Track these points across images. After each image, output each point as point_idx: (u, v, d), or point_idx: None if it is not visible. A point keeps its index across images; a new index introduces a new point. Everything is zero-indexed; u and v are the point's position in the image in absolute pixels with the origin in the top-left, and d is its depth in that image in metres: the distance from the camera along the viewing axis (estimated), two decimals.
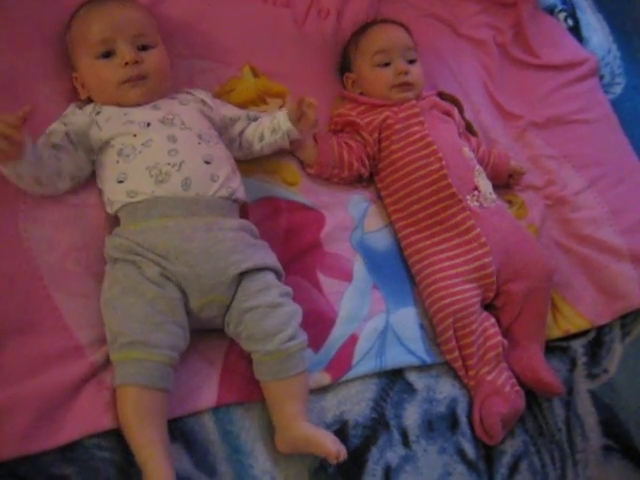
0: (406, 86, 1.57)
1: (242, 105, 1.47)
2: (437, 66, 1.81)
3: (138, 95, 1.25)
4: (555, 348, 1.61)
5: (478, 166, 1.57)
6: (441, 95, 1.70)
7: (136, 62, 1.23)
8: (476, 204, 1.50)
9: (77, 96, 1.31)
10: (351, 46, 1.65)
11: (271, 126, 1.38)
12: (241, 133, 1.40)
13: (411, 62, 1.60)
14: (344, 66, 1.66)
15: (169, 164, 1.18)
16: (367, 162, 1.52)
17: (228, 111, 1.39)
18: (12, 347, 1.08)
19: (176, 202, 1.17)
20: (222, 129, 1.36)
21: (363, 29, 1.65)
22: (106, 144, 1.22)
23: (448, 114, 1.61)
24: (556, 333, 1.61)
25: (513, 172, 1.72)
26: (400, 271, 1.50)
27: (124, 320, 1.08)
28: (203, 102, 1.34)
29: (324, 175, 1.49)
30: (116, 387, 1.07)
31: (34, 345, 1.09)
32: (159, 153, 1.19)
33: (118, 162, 1.20)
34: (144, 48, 1.27)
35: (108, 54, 1.24)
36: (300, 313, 1.20)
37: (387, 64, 1.58)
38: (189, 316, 1.15)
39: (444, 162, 1.48)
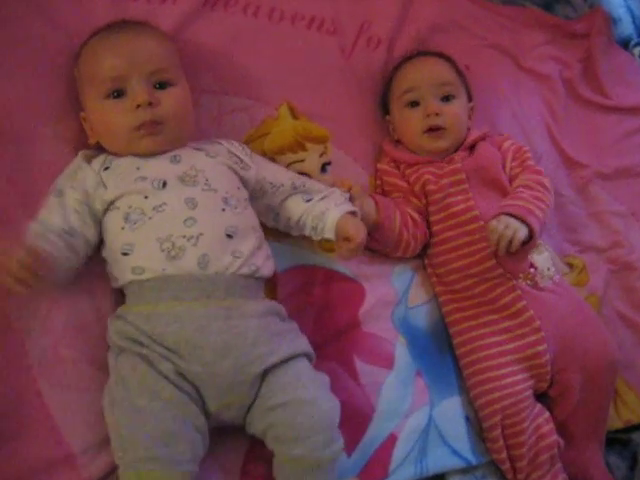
0: (437, 131, 1.34)
1: (278, 151, 1.27)
2: (496, 103, 1.60)
3: (151, 145, 1.06)
4: (614, 441, 1.43)
5: None
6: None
7: (150, 104, 1.03)
8: (529, 283, 1.29)
9: (85, 140, 1.11)
10: (387, 85, 1.44)
11: (315, 223, 1.16)
12: (282, 205, 1.19)
13: (447, 99, 1.37)
14: (384, 107, 1.45)
15: (184, 237, 0.99)
16: (427, 237, 1.32)
17: (269, 174, 1.18)
18: None
19: (190, 282, 0.98)
20: (258, 192, 1.17)
21: (398, 65, 1.44)
22: (111, 204, 1.03)
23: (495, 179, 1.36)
24: (616, 424, 1.43)
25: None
26: (445, 352, 1.31)
27: (137, 428, 0.90)
28: (238, 159, 1.14)
29: (374, 249, 1.29)
30: None
31: (14, 455, 0.92)
32: (173, 222, 1.00)
33: (124, 229, 1.01)
34: (162, 86, 1.07)
35: (119, 93, 1.04)
36: (338, 410, 1.02)
37: (417, 104, 1.36)
38: (205, 418, 0.97)
39: None
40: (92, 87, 1.06)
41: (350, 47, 1.43)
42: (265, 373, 0.99)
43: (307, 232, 1.18)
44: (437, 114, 1.33)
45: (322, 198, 1.18)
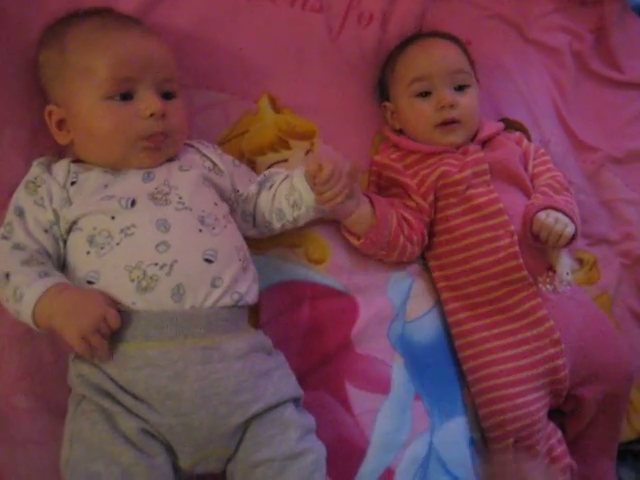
0: (451, 125, 1.21)
1: (257, 151, 1.13)
2: (501, 82, 1.45)
3: (151, 159, 0.95)
4: (626, 453, 1.34)
5: None
6: (505, 122, 1.36)
7: (163, 115, 0.93)
8: (549, 288, 1.17)
9: (39, 147, 0.97)
10: (388, 68, 1.29)
11: (291, 198, 1.05)
12: (255, 207, 1.08)
13: (461, 88, 1.23)
14: (382, 92, 1.31)
15: (157, 264, 0.86)
16: (425, 239, 1.19)
17: (238, 181, 1.06)
18: None
19: (163, 319, 0.85)
20: (234, 202, 1.05)
21: (401, 47, 1.29)
22: (73, 224, 0.90)
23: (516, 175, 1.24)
24: (628, 435, 1.33)
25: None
26: (448, 367, 1.19)
27: None
28: (212, 163, 1.02)
29: (368, 252, 1.16)
30: None
31: None
32: (144, 247, 0.87)
33: (89, 254, 0.88)
34: (166, 96, 0.96)
35: (124, 96, 0.92)
36: (324, 457, 0.92)
37: (428, 93, 1.22)
38: (177, 473, 0.86)
39: (516, 237, 1.15)
40: (88, 82, 0.91)
41: (339, 25, 1.27)
42: (248, 421, 0.88)
43: (289, 216, 1.06)
44: (452, 106, 1.20)
45: (284, 178, 1.08)
